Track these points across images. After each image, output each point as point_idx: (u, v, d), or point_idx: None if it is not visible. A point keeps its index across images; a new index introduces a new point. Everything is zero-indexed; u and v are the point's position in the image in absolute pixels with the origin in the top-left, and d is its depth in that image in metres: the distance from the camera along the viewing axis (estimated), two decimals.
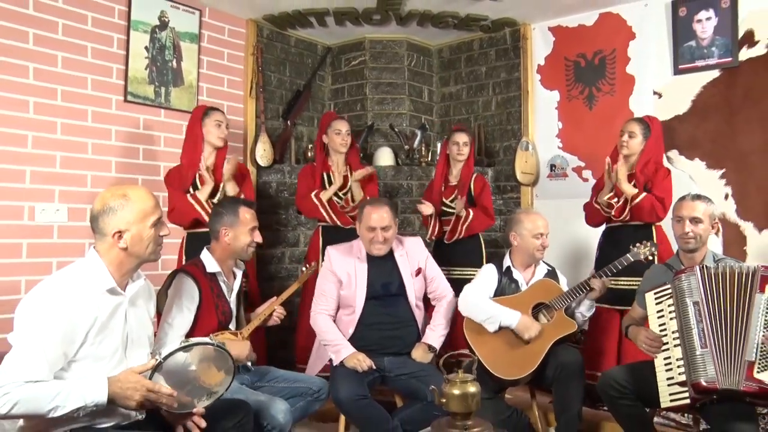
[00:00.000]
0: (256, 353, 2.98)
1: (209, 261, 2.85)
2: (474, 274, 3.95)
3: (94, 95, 3.83)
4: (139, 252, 2.08)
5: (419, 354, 3.19)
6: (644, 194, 3.51)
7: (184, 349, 2.07)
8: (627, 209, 3.56)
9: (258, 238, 2.93)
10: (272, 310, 3.01)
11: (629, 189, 3.54)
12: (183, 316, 2.68)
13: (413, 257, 3.36)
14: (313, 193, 4.00)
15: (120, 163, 3.93)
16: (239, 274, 2.97)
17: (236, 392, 2.58)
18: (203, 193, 3.56)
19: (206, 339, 2.16)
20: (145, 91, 4.06)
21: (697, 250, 2.82)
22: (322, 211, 4.00)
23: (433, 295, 3.42)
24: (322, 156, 4.16)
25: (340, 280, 3.25)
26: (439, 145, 4.76)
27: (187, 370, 2.09)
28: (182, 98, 4.09)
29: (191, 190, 3.61)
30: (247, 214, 2.89)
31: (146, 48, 4.06)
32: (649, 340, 2.65)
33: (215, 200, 3.56)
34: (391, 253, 3.32)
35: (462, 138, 4.17)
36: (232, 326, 2.89)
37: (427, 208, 4.10)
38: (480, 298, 3.18)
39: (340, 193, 4.09)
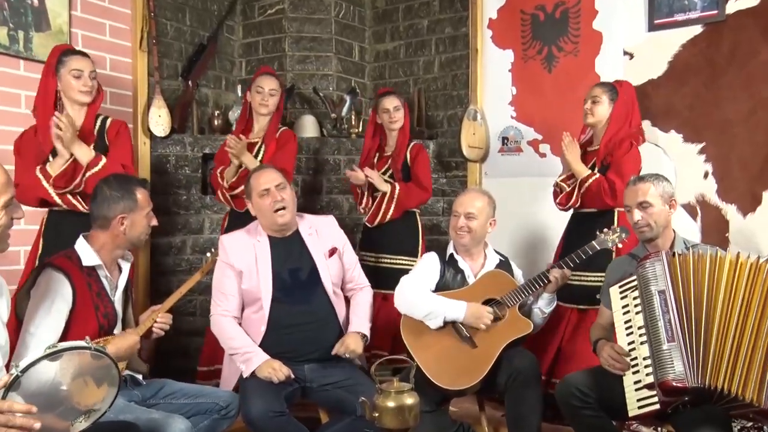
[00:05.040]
0: (147, 363, 2.92)
1: (86, 252, 2.75)
2: (406, 263, 4.00)
3: None
4: None
5: (352, 342, 3.18)
6: (596, 176, 3.58)
7: (50, 356, 1.96)
8: (576, 193, 3.64)
9: (154, 221, 2.94)
10: (152, 321, 2.89)
11: (581, 169, 3.63)
12: (51, 321, 2.58)
13: (324, 235, 3.39)
14: None
15: None
16: (126, 267, 2.90)
17: (123, 411, 2.52)
18: (55, 168, 3.35)
19: (80, 342, 2.07)
20: None
21: (657, 237, 2.90)
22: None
23: (351, 285, 3.45)
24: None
25: (240, 271, 3.22)
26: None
27: (57, 390, 1.99)
28: (48, 46, 3.84)
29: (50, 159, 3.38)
30: (142, 195, 2.88)
31: None
32: (612, 359, 2.69)
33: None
34: (296, 232, 3.34)
35: (392, 102, 4.20)
36: (117, 331, 2.81)
37: (358, 175, 4.09)
38: (419, 292, 3.21)
39: None
